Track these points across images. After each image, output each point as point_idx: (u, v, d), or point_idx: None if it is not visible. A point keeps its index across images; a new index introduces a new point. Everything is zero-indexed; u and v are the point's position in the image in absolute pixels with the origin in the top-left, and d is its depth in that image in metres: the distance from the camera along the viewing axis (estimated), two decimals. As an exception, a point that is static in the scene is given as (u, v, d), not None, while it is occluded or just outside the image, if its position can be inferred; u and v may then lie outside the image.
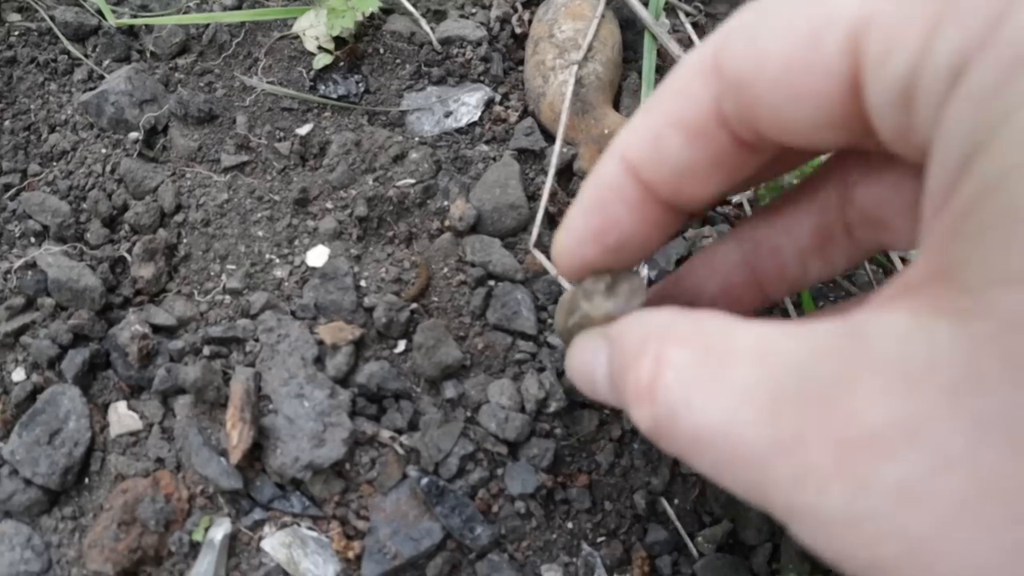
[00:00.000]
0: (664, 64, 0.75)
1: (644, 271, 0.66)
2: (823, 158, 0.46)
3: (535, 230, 0.67)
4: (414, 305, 0.65)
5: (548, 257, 0.66)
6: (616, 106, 0.74)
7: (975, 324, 0.22)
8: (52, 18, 0.75)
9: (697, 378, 0.30)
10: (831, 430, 0.24)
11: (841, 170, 0.42)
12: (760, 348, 0.28)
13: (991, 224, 0.22)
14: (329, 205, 0.69)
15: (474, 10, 0.81)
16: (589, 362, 0.41)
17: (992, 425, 0.21)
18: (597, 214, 0.41)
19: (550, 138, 0.72)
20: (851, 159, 0.41)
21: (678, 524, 0.63)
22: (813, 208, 0.43)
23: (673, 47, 0.73)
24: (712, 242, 0.48)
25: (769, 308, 0.64)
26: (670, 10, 0.80)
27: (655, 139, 0.36)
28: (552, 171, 0.68)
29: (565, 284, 0.65)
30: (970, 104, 0.24)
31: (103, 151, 0.71)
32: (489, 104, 0.75)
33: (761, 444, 0.26)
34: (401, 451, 0.62)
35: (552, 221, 0.69)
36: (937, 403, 0.22)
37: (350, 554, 0.59)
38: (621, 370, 0.35)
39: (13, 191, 0.69)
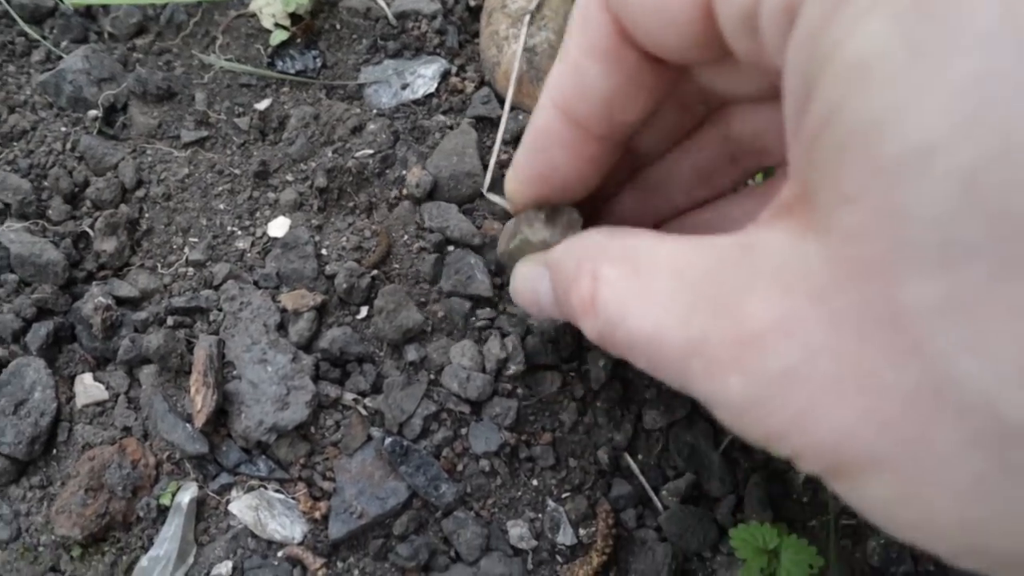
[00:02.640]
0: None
1: None
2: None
3: (488, 176, 0.69)
4: (375, 272, 0.66)
5: (502, 196, 0.68)
6: (570, 74, 0.75)
7: (829, 239, 0.26)
8: (8, 1, 0.76)
9: (628, 291, 0.34)
10: (728, 331, 0.29)
11: (720, 113, 0.47)
12: (676, 262, 0.33)
13: (827, 156, 0.26)
14: (289, 177, 0.70)
15: (430, -14, 0.82)
16: (532, 287, 0.46)
17: (844, 320, 0.26)
18: (538, 157, 0.45)
19: (506, 107, 0.73)
20: (728, 104, 0.46)
21: (642, 478, 0.64)
22: (692, 149, 0.48)
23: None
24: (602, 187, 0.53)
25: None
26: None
27: (575, 74, 0.40)
28: (503, 126, 0.70)
29: None
30: (803, 38, 0.27)
31: (63, 129, 0.71)
32: (445, 76, 0.76)
33: (679, 345, 0.31)
34: (365, 413, 0.63)
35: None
36: (805, 306, 0.27)
37: (317, 514, 0.60)
38: (564, 291, 0.40)
39: (-26, 173, 0.70)
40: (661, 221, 0.52)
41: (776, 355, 0.28)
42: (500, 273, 0.66)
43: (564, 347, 0.64)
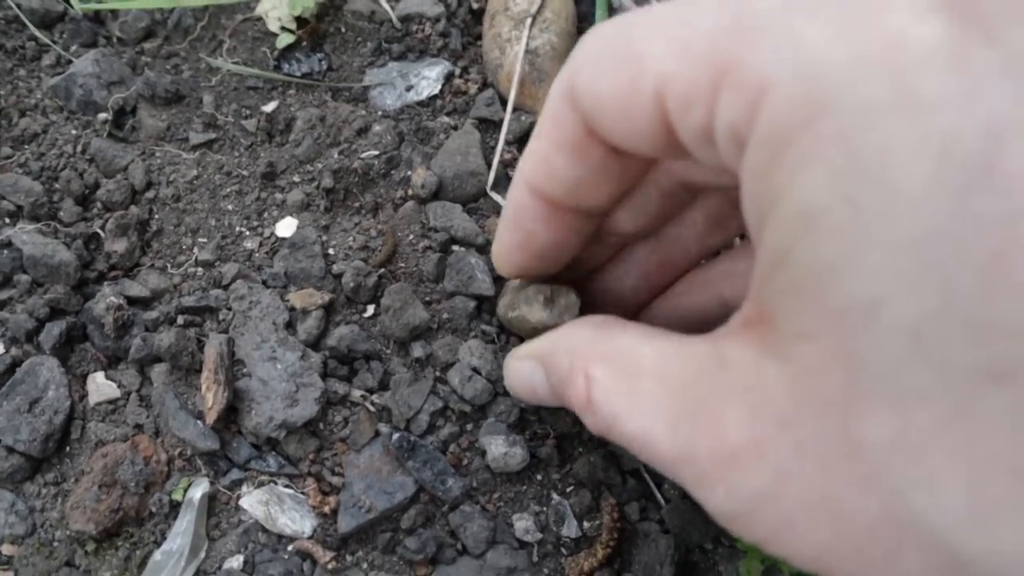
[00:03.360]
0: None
1: None
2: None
3: (491, 176, 0.71)
4: (381, 270, 0.67)
5: (505, 195, 0.70)
6: (572, 75, 0.76)
7: (790, 368, 0.28)
8: (19, 5, 0.77)
9: (617, 394, 0.37)
10: (711, 446, 0.31)
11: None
12: (659, 368, 0.35)
13: (783, 292, 0.28)
14: (296, 178, 0.71)
15: (433, -11, 0.83)
16: (527, 380, 0.49)
17: (808, 449, 0.28)
18: (517, 230, 0.48)
19: (509, 108, 0.75)
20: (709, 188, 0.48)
21: (645, 473, 0.65)
22: (697, 202, 0.50)
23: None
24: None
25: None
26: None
27: (545, 162, 0.42)
28: (506, 126, 0.71)
29: None
30: (751, 176, 0.29)
31: (73, 132, 0.73)
32: (449, 77, 0.77)
33: (670, 454, 0.33)
34: (373, 409, 0.64)
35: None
36: (772, 430, 0.29)
37: (326, 509, 0.61)
38: (561, 387, 0.43)
39: (-14, 175, 0.71)
40: (678, 273, 0.54)
41: (751, 475, 0.30)
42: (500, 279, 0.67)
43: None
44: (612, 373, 0.38)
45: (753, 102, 0.28)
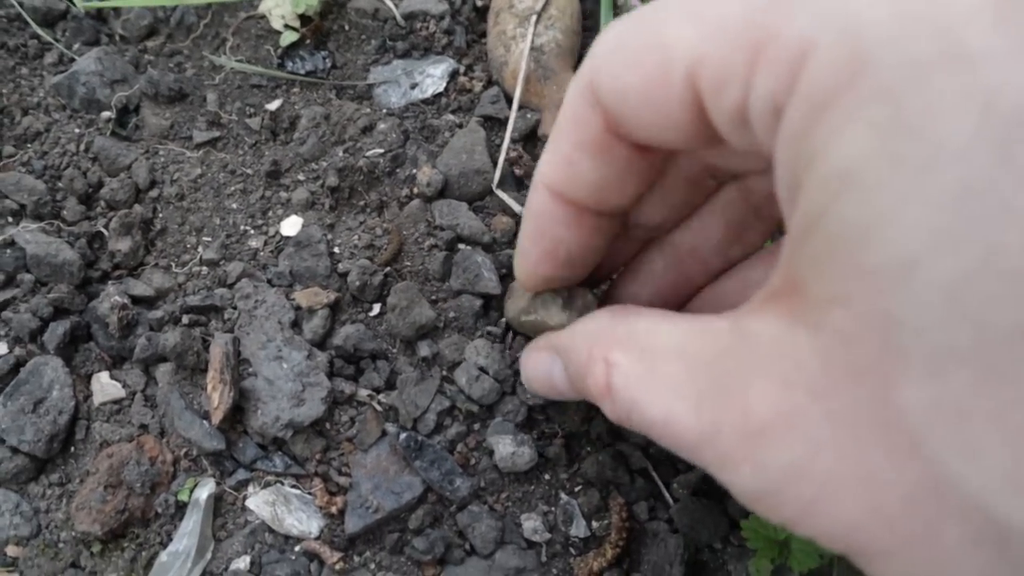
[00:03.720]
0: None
1: None
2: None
3: (497, 173, 0.70)
4: (387, 269, 0.66)
5: (511, 193, 0.69)
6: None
7: (822, 336, 0.28)
8: (21, 3, 0.76)
9: (638, 377, 0.36)
10: (737, 423, 0.30)
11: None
12: (679, 347, 0.35)
13: (817, 256, 0.27)
14: (301, 177, 0.71)
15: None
16: (545, 372, 0.48)
17: (842, 419, 0.27)
18: (541, 238, 0.46)
19: (514, 105, 0.74)
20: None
21: (653, 472, 0.65)
22: (718, 208, 0.49)
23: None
24: (638, 255, 0.54)
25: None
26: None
27: (567, 164, 0.41)
28: (511, 124, 0.71)
29: None
30: (788, 139, 0.29)
31: (76, 131, 0.72)
32: (454, 75, 0.76)
33: (692, 434, 0.32)
34: (379, 409, 0.63)
35: (520, 183, 0.71)
36: (805, 401, 0.28)
37: (333, 509, 0.61)
38: (580, 376, 0.41)
39: (-12, 174, 0.71)
40: (697, 288, 0.53)
41: (781, 448, 0.29)
42: (507, 271, 0.67)
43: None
44: (632, 357, 0.37)
45: (794, 69, 0.27)
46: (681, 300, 0.53)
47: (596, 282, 0.57)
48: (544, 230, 0.45)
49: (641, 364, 0.36)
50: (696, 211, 0.50)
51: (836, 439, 0.27)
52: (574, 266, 0.48)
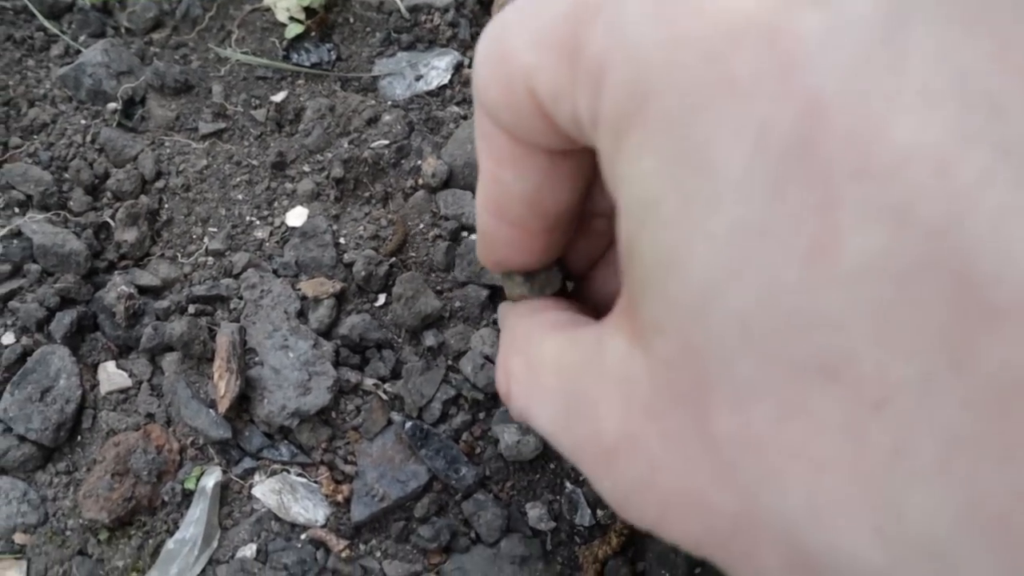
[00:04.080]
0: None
1: None
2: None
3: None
4: (392, 259, 0.66)
5: None
6: (582, 65, 0.76)
7: (650, 360, 0.28)
8: (27, -4, 0.77)
9: (528, 387, 0.36)
10: (593, 440, 0.31)
11: None
12: (555, 359, 0.35)
13: (636, 283, 0.27)
14: (306, 168, 0.71)
15: (441, -21, 0.83)
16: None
17: (673, 440, 0.27)
18: (492, 252, 0.45)
19: (519, 97, 0.74)
20: None
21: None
22: None
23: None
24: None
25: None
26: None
27: (496, 183, 0.39)
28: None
29: None
30: (604, 165, 0.28)
31: (82, 122, 0.72)
32: (458, 67, 0.77)
33: (567, 448, 0.33)
34: (385, 398, 0.64)
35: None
36: (642, 421, 0.28)
37: (339, 497, 0.61)
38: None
39: (-5, 166, 0.71)
40: None
41: (628, 467, 0.29)
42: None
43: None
44: (525, 366, 0.37)
45: (596, 88, 0.27)
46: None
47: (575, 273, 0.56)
48: (493, 246, 0.44)
49: (530, 375, 0.36)
50: None
51: (671, 460, 0.28)
52: (535, 261, 0.47)
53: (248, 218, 0.69)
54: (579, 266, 0.54)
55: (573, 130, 0.31)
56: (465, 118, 0.73)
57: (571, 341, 0.34)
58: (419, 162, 0.71)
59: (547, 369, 0.35)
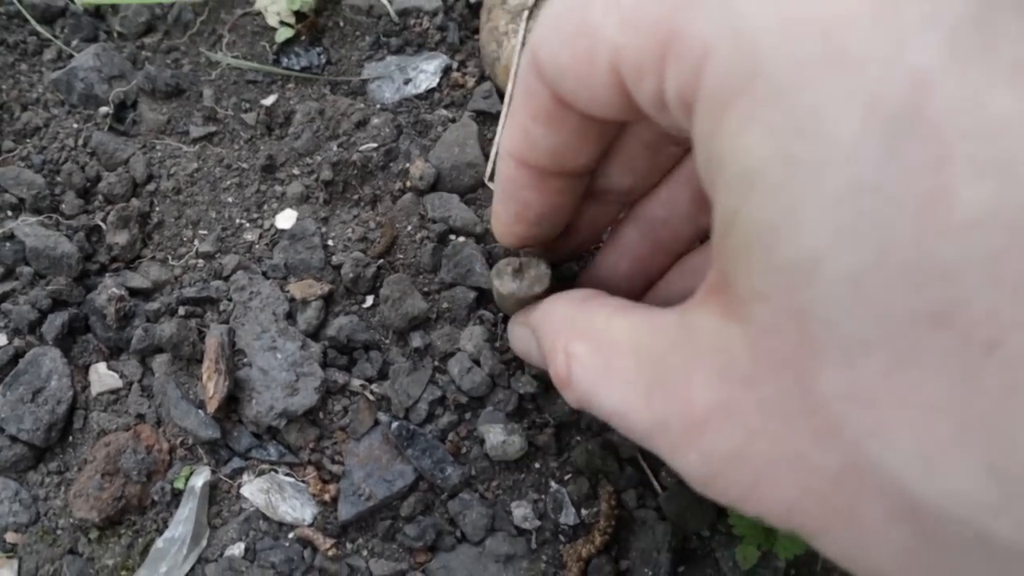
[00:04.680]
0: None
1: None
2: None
3: (489, 166, 0.71)
4: (380, 261, 0.67)
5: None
6: (569, 68, 0.77)
7: (749, 329, 0.29)
8: (20, 1, 0.78)
9: (595, 370, 0.38)
10: (682, 414, 0.32)
11: None
12: (632, 341, 0.37)
13: (737, 253, 0.29)
14: (296, 171, 0.72)
15: (431, -17, 0.84)
16: (524, 345, 0.52)
17: (772, 407, 0.29)
18: (510, 201, 0.49)
19: (506, 100, 0.75)
20: None
21: (642, 461, 0.66)
22: (683, 177, 0.51)
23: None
24: (615, 228, 0.56)
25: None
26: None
27: (524, 133, 0.43)
28: (503, 119, 0.72)
29: None
30: (699, 142, 0.30)
31: (75, 126, 0.73)
32: (447, 71, 0.78)
33: (645, 425, 0.35)
34: (372, 398, 0.64)
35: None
36: (739, 392, 0.30)
37: (326, 497, 0.62)
38: (546, 360, 0.44)
39: (-12, 169, 0.72)
40: (672, 258, 0.54)
41: (722, 437, 0.31)
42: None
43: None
44: (590, 349, 0.39)
45: (695, 69, 0.29)
46: (659, 269, 0.55)
47: (580, 252, 0.59)
48: (512, 193, 0.48)
49: (598, 357, 0.38)
50: (665, 179, 0.52)
51: (769, 426, 0.29)
52: (543, 225, 0.50)
53: (238, 221, 0.70)
54: (584, 236, 0.56)
55: (651, 107, 0.33)
56: (453, 121, 0.74)
57: (647, 322, 0.37)
58: (407, 165, 0.71)
59: (622, 351, 0.37)
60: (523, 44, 0.73)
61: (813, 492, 0.28)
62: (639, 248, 0.54)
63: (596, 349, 0.38)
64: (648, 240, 0.53)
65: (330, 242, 0.68)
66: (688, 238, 0.53)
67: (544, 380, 0.64)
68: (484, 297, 0.66)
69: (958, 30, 0.24)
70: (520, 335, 0.53)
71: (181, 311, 0.66)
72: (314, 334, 0.65)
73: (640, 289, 0.56)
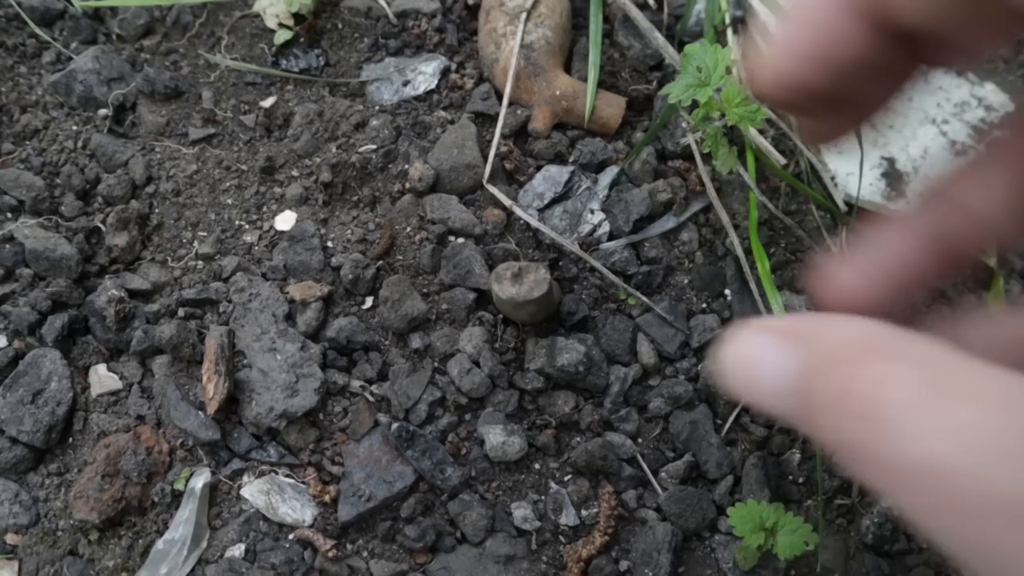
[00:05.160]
0: (611, 28, 0.78)
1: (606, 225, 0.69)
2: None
3: (488, 167, 0.71)
4: (379, 263, 0.67)
5: (501, 187, 0.69)
6: (568, 69, 0.77)
7: None
8: (19, 3, 0.78)
9: (921, 403, 0.28)
10: None
11: None
12: (997, 395, 0.27)
13: None
14: (295, 172, 0.72)
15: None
16: (757, 356, 0.35)
17: None
18: (813, 26, 0.34)
19: (505, 102, 0.75)
20: None
21: (642, 461, 0.66)
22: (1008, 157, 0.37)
23: (631, 9, 0.76)
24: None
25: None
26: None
27: None
28: (501, 120, 0.72)
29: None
30: None
31: (74, 128, 0.73)
32: (445, 72, 0.78)
33: (983, 494, 0.26)
34: (372, 399, 0.65)
35: (510, 177, 0.72)
36: None
37: (326, 498, 0.62)
38: (818, 373, 0.32)
39: (-13, 171, 0.72)
40: (964, 262, 0.39)
41: None
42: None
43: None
44: (919, 377, 0.29)
45: None
46: (937, 274, 0.40)
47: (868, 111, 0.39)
48: (820, 17, 0.34)
49: (929, 390, 0.28)
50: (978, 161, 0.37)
51: None
52: (835, 79, 0.35)
53: (237, 222, 0.70)
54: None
55: None
56: (452, 122, 0.74)
57: (1010, 382, 0.27)
58: (406, 166, 0.71)
59: (974, 399, 0.27)
60: (521, 46, 0.73)
61: None
62: (928, 244, 0.39)
63: (927, 380, 0.29)
64: (942, 235, 0.39)
65: (329, 243, 0.68)
66: (994, 238, 0.39)
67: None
68: (483, 298, 0.67)
69: None
70: (762, 347, 0.35)
71: (181, 312, 0.66)
72: (314, 335, 0.65)
73: (904, 290, 0.40)
